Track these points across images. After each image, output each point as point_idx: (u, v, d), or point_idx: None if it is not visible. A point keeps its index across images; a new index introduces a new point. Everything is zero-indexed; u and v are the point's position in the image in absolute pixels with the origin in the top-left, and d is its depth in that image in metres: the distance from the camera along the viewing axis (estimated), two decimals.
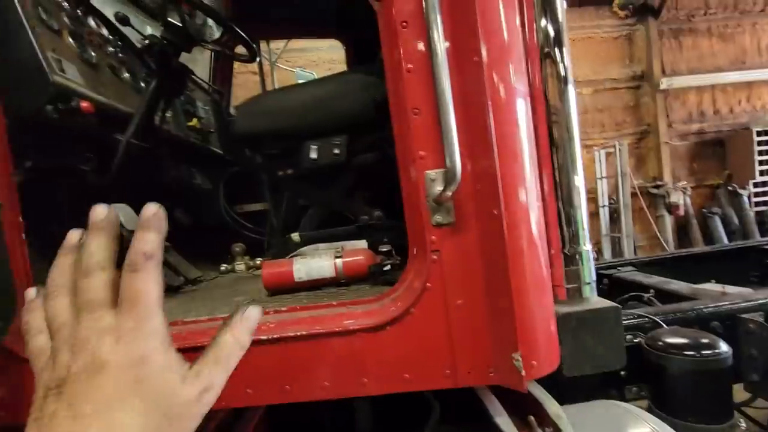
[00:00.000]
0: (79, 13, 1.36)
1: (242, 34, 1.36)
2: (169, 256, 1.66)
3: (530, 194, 0.77)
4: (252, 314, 0.38)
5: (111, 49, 1.47)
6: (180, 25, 1.30)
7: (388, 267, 1.13)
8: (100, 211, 0.36)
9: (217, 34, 1.54)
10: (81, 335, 0.32)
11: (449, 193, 0.74)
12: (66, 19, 1.25)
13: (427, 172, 0.78)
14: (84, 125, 1.18)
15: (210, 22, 1.54)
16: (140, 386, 0.30)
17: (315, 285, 1.12)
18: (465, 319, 0.79)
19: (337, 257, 1.10)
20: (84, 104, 1.10)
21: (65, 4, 1.29)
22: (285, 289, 1.12)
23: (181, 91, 1.46)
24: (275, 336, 0.83)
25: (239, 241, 2.05)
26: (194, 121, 1.90)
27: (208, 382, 0.34)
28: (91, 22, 1.41)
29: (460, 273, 0.79)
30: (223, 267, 1.87)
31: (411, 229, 0.85)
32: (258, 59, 2.75)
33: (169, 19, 1.30)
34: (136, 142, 1.35)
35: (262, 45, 2.81)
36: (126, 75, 1.48)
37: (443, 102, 0.71)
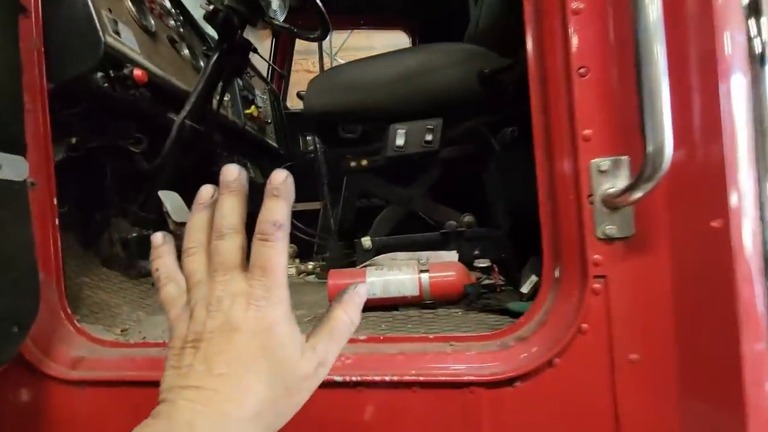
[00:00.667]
0: None
1: (320, 5, 1.17)
2: None
3: (765, 200, 0.50)
4: (362, 291, 0.39)
5: (172, 22, 1.34)
6: None
7: (486, 289, 0.89)
8: (232, 171, 0.36)
9: (282, 17, 1.37)
10: (215, 295, 0.33)
11: (639, 194, 0.48)
12: None
13: (595, 160, 0.53)
14: (135, 99, 1.02)
15: (275, 5, 1.38)
16: (266, 354, 0.32)
17: (391, 305, 0.89)
18: (643, 384, 0.52)
19: (422, 271, 0.87)
20: (137, 72, 0.95)
21: None
22: None
23: (242, 69, 1.30)
24: (353, 378, 0.60)
25: (292, 240, 1.87)
26: (252, 109, 1.75)
27: (322, 357, 0.34)
28: None
29: (637, 312, 0.53)
30: None
31: (551, 242, 0.60)
32: (319, 49, 2.62)
33: None
34: (191, 123, 1.19)
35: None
36: (185, 52, 1.34)
37: (646, 51, 0.45)
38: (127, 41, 0.98)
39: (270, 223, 0.33)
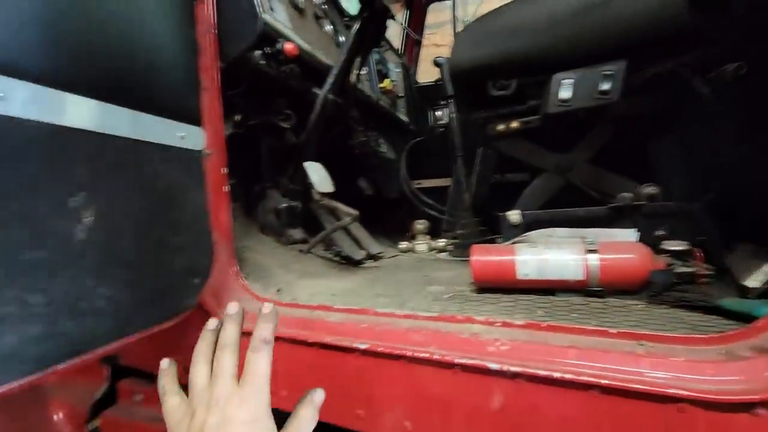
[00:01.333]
0: None
1: None
2: (354, 228, 1.55)
3: None
4: (319, 397, 0.47)
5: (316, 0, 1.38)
6: None
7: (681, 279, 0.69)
8: (233, 306, 0.48)
9: None
10: (214, 395, 0.42)
11: None
12: None
13: None
14: (286, 75, 1.08)
15: None
16: None
17: (545, 288, 0.76)
18: None
19: (590, 251, 0.71)
20: (288, 46, 0.99)
21: None
22: (499, 285, 0.79)
23: (381, 35, 1.27)
24: (512, 369, 0.51)
25: (415, 217, 1.84)
26: (386, 83, 1.74)
27: None
28: None
29: None
30: (403, 245, 1.69)
31: None
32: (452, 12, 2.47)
33: None
34: (333, 97, 1.22)
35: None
36: (328, 27, 1.38)
37: None
38: (280, 17, 1.03)
39: (260, 339, 0.44)
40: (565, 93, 0.73)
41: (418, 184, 2.19)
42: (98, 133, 0.57)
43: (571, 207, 0.87)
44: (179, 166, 0.74)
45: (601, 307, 0.68)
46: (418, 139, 2.12)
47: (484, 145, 1.04)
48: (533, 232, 0.81)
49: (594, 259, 0.71)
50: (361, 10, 1.14)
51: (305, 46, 1.12)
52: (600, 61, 0.72)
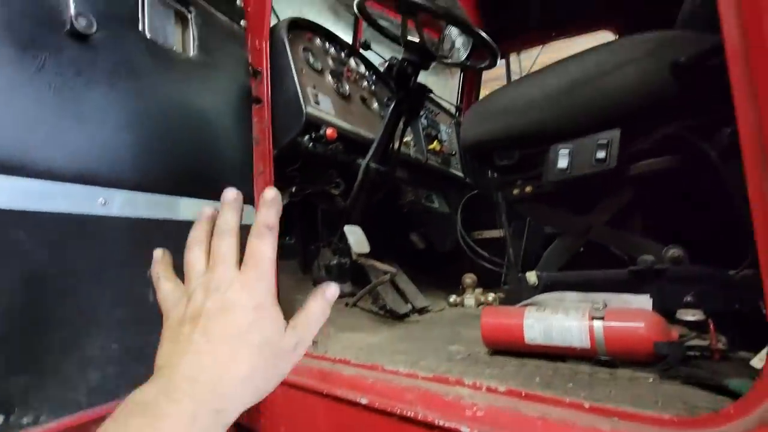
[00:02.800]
0: (343, 55, 1.53)
1: (482, 34, 1.17)
2: (400, 280, 1.64)
3: None
4: (331, 292, 0.44)
5: (365, 83, 1.60)
6: (417, 42, 1.25)
7: (697, 351, 0.65)
8: (231, 192, 0.43)
9: (465, 55, 1.43)
10: (214, 281, 0.38)
11: None
12: (330, 61, 1.42)
13: None
14: (332, 151, 1.26)
15: (458, 44, 1.46)
16: (257, 327, 0.37)
17: (555, 354, 0.76)
18: None
19: (595, 318, 0.71)
20: (328, 131, 1.17)
21: (332, 49, 1.47)
22: (510, 349, 0.81)
23: (418, 110, 1.41)
24: None
25: (473, 270, 1.86)
26: (435, 144, 1.86)
27: (301, 337, 0.40)
28: (352, 62, 1.57)
29: None
30: (452, 298, 1.71)
31: None
32: (506, 74, 2.57)
33: (409, 38, 1.27)
34: (375, 165, 1.37)
35: (512, 60, 2.60)
36: (375, 105, 1.57)
37: None
38: (324, 108, 1.24)
39: (263, 225, 0.40)
40: (563, 162, 0.76)
41: (479, 234, 2.21)
42: (169, 220, 0.77)
43: (596, 269, 0.86)
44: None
45: (605, 378, 0.66)
46: (473, 192, 2.17)
47: (507, 208, 1.08)
48: (544, 294, 0.82)
49: (599, 325, 0.70)
50: (397, 92, 1.31)
51: (347, 126, 1.30)
52: (595, 131, 0.75)
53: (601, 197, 0.89)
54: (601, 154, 0.73)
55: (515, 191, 0.94)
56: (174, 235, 0.79)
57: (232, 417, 0.35)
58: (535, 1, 2.20)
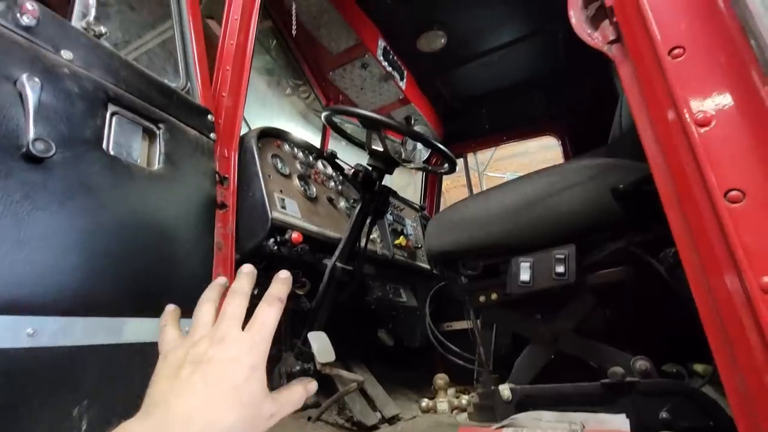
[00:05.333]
0: (311, 159, 1.60)
1: (441, 146, 1.27)
2: (368, 386, 1.53)
3: None
4: (312, 387, 0.48)
5: (332, 183, 1.65)
6: (382, 150, 1.33)
7: None
8: (248, 267, 0.48)
9: (425, 156, 1.53)
10: (219, 332, 0.41)
11: None
12: (298, 165, 1.47)
13: None
14: (298, 253, 1.24)
15: (419, 146, 1.57)
16: (249, 385, 0.39)
17: None
18: None
19: None
20: (294, 235, 1.17)
21: (300, 153, 1.54)
22: None
23: (384, 211, 1.45)
24: None
25: (445, 366, 1.77)
26: (401, 239, 1.89)
27: (278, 408, 0.42)
28: (320, 164, 1.64)
29: None
30: (424, 403, 1.59)
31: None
32: (465, 170, 2.76)
33: (373, 147, 1.35)
34: (341, 265, 1.35)
35: (470, 156, 2.82)
36: (341, 205, 1.61)
37: None
38: (291, 211, 1.24)
39: (276, 297, 0.45)
40: (525, 275, 0.78)
41: (449, 326, 2.16)
42: (109, 345, 0.70)
43: (567, 378, 0.84)
44: None
45: None
46: (441, 284, 2.17)
47: (474, 313, 1.08)
48: (520, 415, 0.78)
49: None
50: (362, 195, 1.35)
51: (313, 228, 1.31)
52: (552, 245, 0.78)
53: (565, 304, 0.90)
54: (560, 269, 0.76)
55: (481, 298, 0.94)
56: (115, 362, 0.71)
57: None
58: (487, 110, 2.47)
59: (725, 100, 0.41)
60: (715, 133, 0.41)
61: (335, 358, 1.25)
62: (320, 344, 1.19)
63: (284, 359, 1.38)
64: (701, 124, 0.41)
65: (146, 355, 0.76)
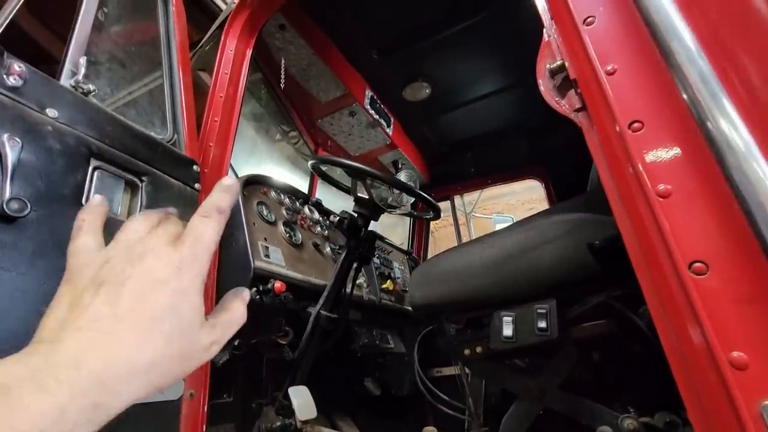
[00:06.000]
0: (297, 204, 1.61)
1: (424, 195, 1.29)
2: None
3: None
4: (246, 295, 0.40)
5: (319, 228, 1.65)
6: (367, 198, 1.34)
7: None
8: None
9: (411, 200, 1.56)
10: (141, 246, 0.33)
11: None
12: (284, 211, 1.47)
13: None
14: (281, 302, 1.22)
15: (405, 195, 1.60)
16: (174, 312, 0.31)
17: None
18: None
19: None
20: (277, 285, 1.15)
21: (287, 199, 1.55)
22: None
23: (369, 258, 1.45)
24: None
25: (434, 414, 1.70)
26: (388, 284, 1.87)
27: (218, 336, 0.35)
28: (306, 209, 1.64)
29: None
30: None
31: None
32: (452, 211, 2.78)
33: (359, 194, 1.37)
34: (326, 313, 1.32)
35: (456, 198, 2.86)
36: (327, 250, 1.60)
37: None
38: (275, 259, 1.23)
39: (214, 206, 0.36)
40: (508, 330, 0.77)
41: (438, 372, 2.10)
42: None
43: None
44: (154, 421, 0.80)
45: None
46: (431, 327, 2.13)
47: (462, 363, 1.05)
48: None
49: None
50: (347, 241, 1.34)
51: (298, 276, 1.29)
52: (533, 300, 0.78)
53: (549, 357, 0.88)
54: (542, 324, 0.75)
55: (466, 351, 0.92)
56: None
57: (112, 413, 0.28)
58: (473, 154, 2.54)
59: (685, 173, 0.43)
60: (677, 204, 0.42)
61: (317, 414, 1.20)
62: (301, 400, 1.14)
63: (264, 414, 1.32)
64: (662, 195, 0.43)
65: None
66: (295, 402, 1.08)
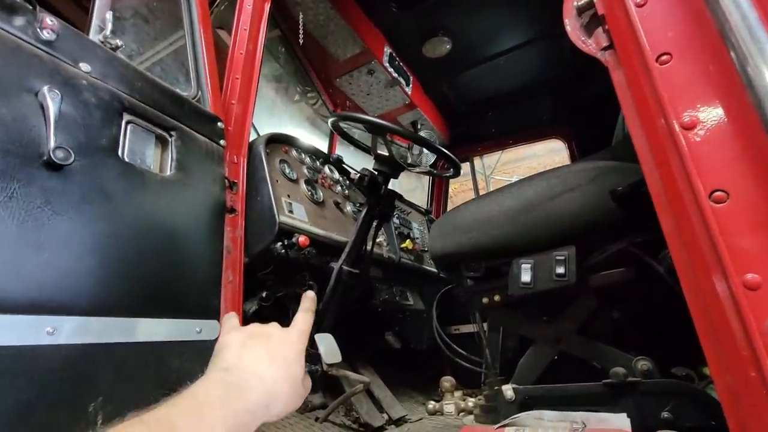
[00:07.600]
0: (318, 164, 1.63)
1: (445, 151, 1.29)
2: (375, 387, 1.54)
3: None
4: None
5: (339, 188, 1.68)
6: (387, 155, 1.35)
7: None
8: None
9: (431, 160, 1.55)
10: (272, 325, 0.55)
11: None
12: (305, 170, 1.50)
13: None
14: (305, 256, 1.27)
15: (425, 151, 1.59)
16: (297, 363, 0.51)
17: None
18: None
19: None
20: (301, 239, 1.19)
21: (307, 159, 1.57)
22: None
23: (389, 214, 1.47)
24: None
25: (452, 368, 1.78)
26: (407, 242, 1.91)
27: (306, 390, 0.53)
28: (326, 169, 1.67)
29: None
30: (431, 405, 1.60)
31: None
32: (471, 173, 2.76)
33: (379, 151, 1.38)
34: (348, 268, 1.37)
35: (476, 160, 2.83)
36: (348, 209, 1.63)
37: None
38: (298, 215, 1.27)
39: (307, 308, 0.60)
40: (526, 276, 0.80)
41: (456, 329, 2.16)
42: (123, 344, 0.73)
43: (570, 378, 0.85)
44: (195, 357, 0.87)
45: None
46: (449, 286, 2.17)
47: (480, 315, 1.09)
48: (522, 414, 0.79)
49: None
50: (368, 199, 1.37)
51: (320, 232, 1.33)
52: (552, 247, 0.80)
53: (567, 304, 0.91)
54: (560, 270, 0.77)
55: (485, 300, 0.95)
56: (129, 360, 0.74)
57: (271, 417, 0.46)
58: (494, 113, 2.48)
59: (710, 103, 0.42)
60: (701, 135, 0.42)
61: (342, 360, 1.27)
62: (327, 345, 1.20)
63: None
64: (687, 127, 0.43)
65: (158, 354, 0.79)
66: (321, 347, 1.14)
